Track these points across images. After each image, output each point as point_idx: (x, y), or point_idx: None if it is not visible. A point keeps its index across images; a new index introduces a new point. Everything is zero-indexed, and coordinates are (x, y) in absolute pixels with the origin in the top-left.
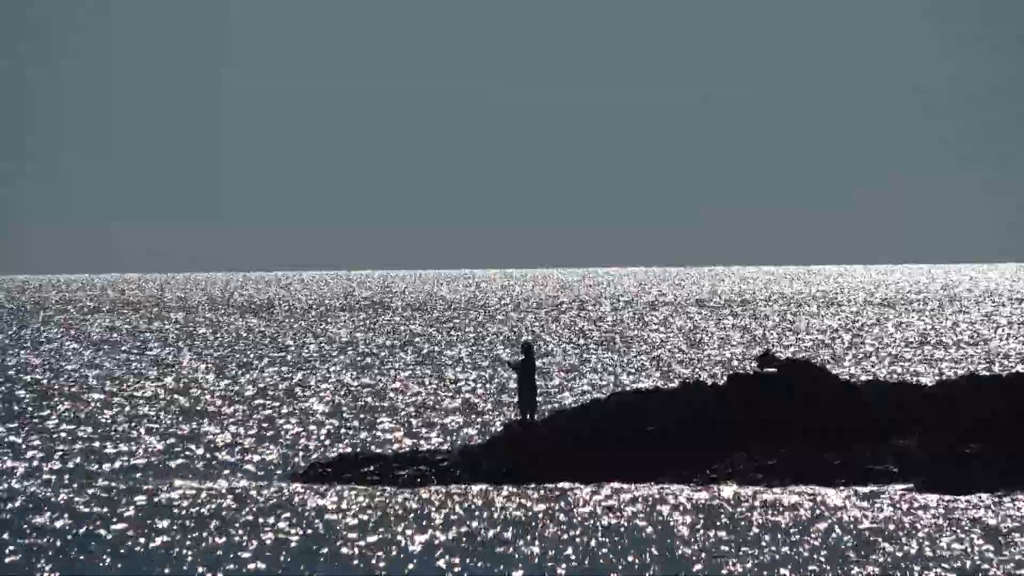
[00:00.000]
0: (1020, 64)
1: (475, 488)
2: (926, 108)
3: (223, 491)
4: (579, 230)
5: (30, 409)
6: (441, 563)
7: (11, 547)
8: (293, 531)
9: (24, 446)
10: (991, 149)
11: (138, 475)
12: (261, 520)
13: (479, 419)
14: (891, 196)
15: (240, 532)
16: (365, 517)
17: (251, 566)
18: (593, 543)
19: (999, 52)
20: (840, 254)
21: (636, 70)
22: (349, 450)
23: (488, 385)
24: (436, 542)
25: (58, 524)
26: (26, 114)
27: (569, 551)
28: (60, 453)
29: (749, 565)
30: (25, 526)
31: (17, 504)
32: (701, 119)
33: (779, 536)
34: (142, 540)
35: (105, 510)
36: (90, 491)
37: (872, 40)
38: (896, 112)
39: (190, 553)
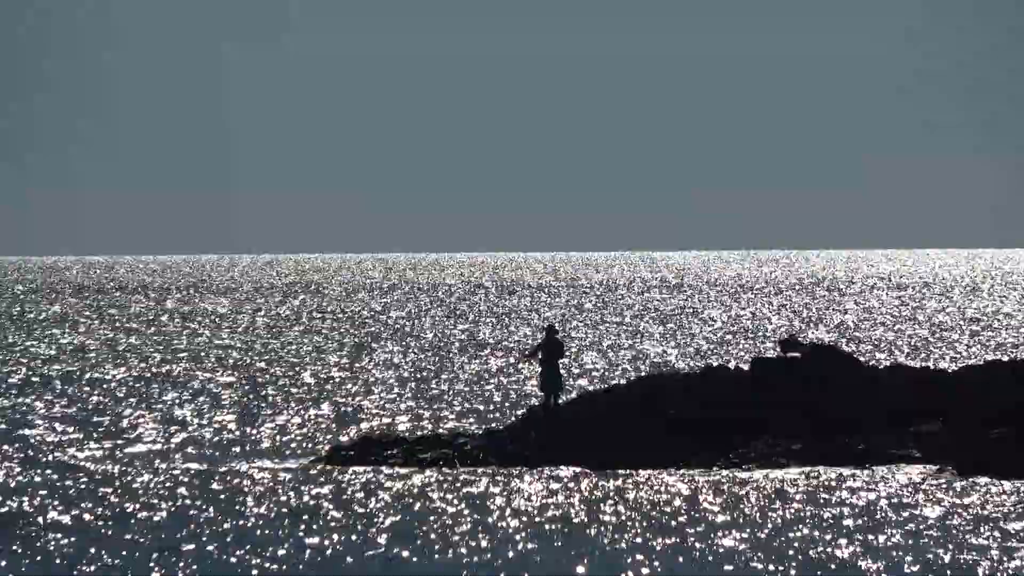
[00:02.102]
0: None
1: (498, 471)
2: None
3: (244, 473)
4: (569, 216)
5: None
6: (463, 548)
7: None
8: (315, 514)
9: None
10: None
11: (155, 456)
12: (282, 501)
13: (503, 401)
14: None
15: (261, 515)
16: (388, 499)
17: (272, 547)
18: (617, 527)
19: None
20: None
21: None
22: (373, 432)
23: (512, 368)
24: (459, 525)
25: (73, 505)
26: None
27: (591, 535)
28: (70, 433)
29: (772, 548)
30: (60, 499)
31: (46, 479)
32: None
33: (802, 521)
34: (158, 520)
35: (124, 492)
36: (109, 473)
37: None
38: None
39: (207, 535)
